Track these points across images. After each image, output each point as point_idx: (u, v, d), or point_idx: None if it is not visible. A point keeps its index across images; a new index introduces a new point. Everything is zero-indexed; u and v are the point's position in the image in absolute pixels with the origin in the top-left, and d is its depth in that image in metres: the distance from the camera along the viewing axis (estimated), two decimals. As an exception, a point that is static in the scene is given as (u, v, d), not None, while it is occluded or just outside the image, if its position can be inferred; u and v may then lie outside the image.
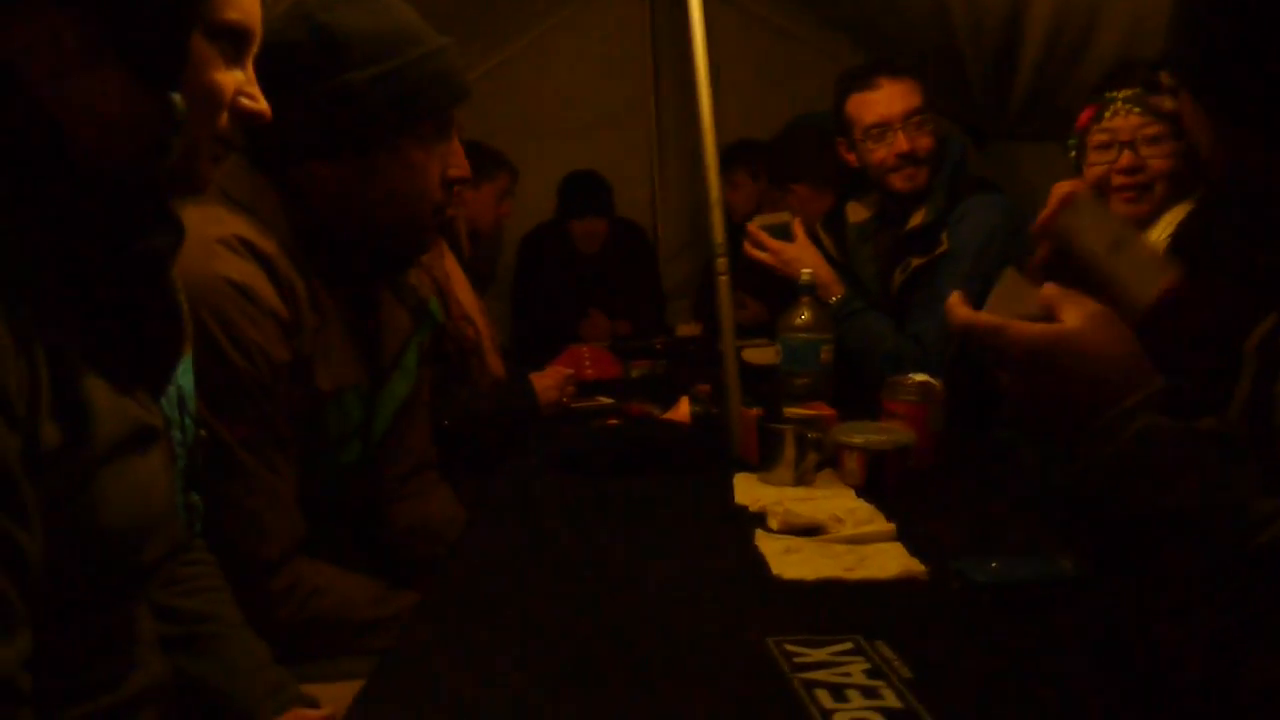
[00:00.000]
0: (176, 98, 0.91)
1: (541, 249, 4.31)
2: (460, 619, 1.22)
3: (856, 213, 2.59)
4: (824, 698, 0.98)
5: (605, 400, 2.50)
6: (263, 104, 1.02)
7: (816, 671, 1.03)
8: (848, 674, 1.03)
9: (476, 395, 2.23)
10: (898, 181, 2.40)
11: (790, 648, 1.09)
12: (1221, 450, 0.90)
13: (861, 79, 2.44)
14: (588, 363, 2.85)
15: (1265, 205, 0.92)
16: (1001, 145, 3.50)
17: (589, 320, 4.03)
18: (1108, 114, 1.93)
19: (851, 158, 2.50)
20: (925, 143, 2.37)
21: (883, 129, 2.39)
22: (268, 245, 1.43)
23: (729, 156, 3.68)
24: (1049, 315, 1.00)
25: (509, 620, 1.21)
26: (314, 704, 1.23)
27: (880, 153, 2.40)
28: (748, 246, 2.32)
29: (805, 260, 2.25)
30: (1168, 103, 1.90)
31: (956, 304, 1.03)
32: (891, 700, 0.97)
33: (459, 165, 1.58)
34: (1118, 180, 1.92)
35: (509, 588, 1.32)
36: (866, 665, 1.04)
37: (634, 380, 2.90)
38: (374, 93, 1.44)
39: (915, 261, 2.35)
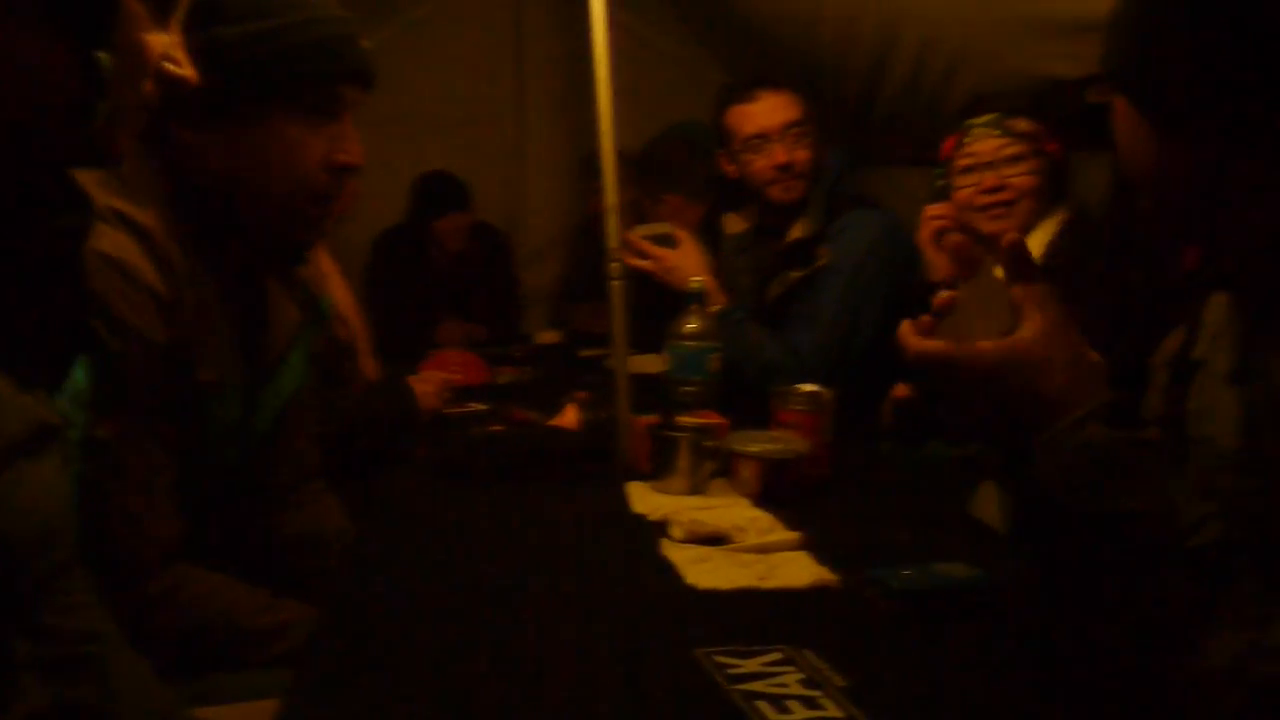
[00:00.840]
0: (104, 56, 0.82)
1: (396, 251, 4.19)
2: (363, 642, 1.15)
3: (733, 224, 2.62)
4: (766, 709, 0.97)
5: (479, 406, 2.44)
6: (188, 69, 0.94)
7: (753, 683, 1.02)
8: (784, 684, 1.02)
9: (351, 398, 2.14)
10: (775, 193, 2.43)
11: (721, 659, 1.07)
12: (1160, 459, 0.94)
13: (741, 91, 2.48)
14: (457, 367, 2.78)
15: (1201, 217, 0.94)
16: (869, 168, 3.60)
17: (444, 325, 3.93)
18: (968, 140, 2.06)
19: (731, 169, 2.52)
20: (803, 155, 2.41)
21: (761, 140, 2.42)
22: (144, 217, 1.31)
23: (594, 163, 3.66)
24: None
25: (410, 646, 1.14)
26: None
27: (758, 164, 2.43)
28: (626, 255, 2.31)
29: (689, 267, 2.25)
30: (1022, 124, 2.02)
31: (908, 333, 1.04)
32: (833, 710, 0.97)
33: (349, 151, 1.44)
34: (982, 200, 2.05)
35: (407, 610, 1.25)
36: (801, 675, 1.04)
37: (503, 386, 2.84)
38: (244, 52, 1.34)
39: (794, 274, 2.38)
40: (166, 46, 0.93)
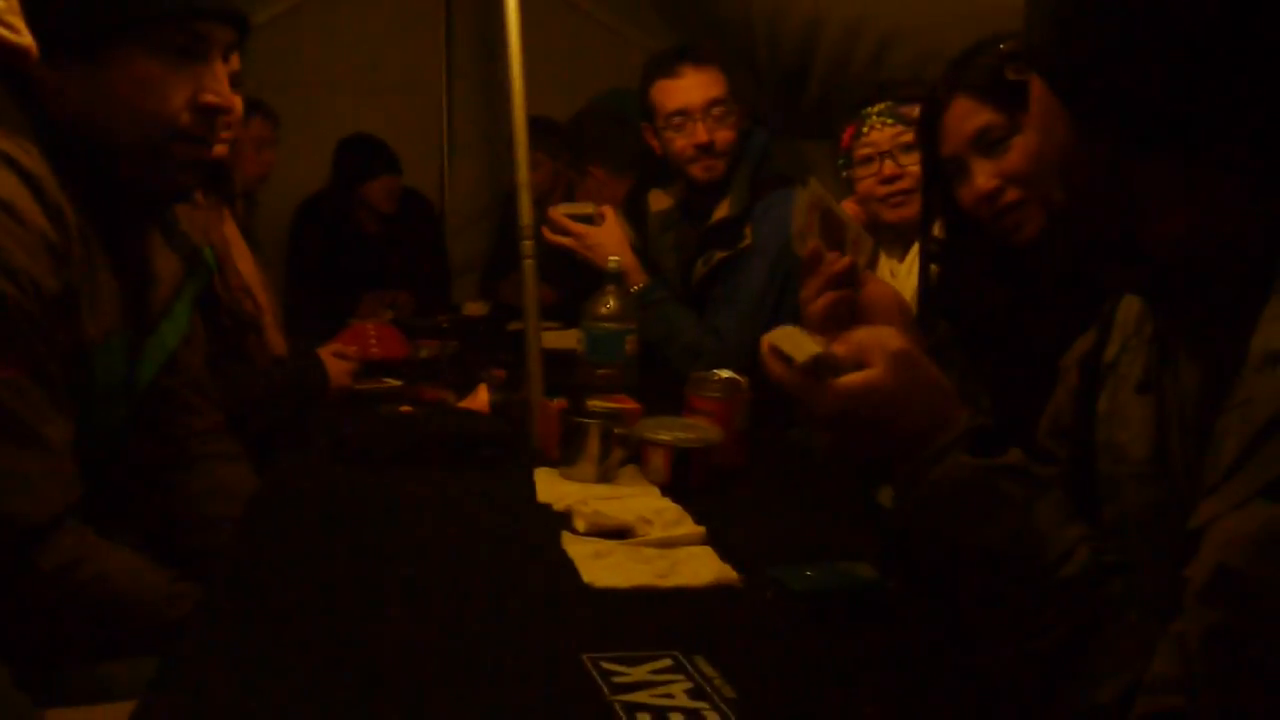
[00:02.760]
0: None
1: (319, 219, 4.07)
2: (237, 634, 1.09)
3: (659, 200, 2.57)
4: (647, 722, 0.93)
5: (393, 382, 2.36)
6: (27, 38, 0.86)
7: (637, 693, 0.97)
8: (670, 695, 0.98)
9: (254, 374, 2.06)
10: (696, 171, 2.40)
11: (608, 665, 1.03)
12: (1024, 484, 0.90)
13: (666, 65, 2.43)
14: (374, 340, 2.69)
15: (1109, 220, 0.89)
16: (794, 143, 3.57)
17: (371, 295, 3.83)
18: (865, 129, 2.06)
19: (655, 144, 2.47)
20: (724, 135, 2.37)
21: (684, 117, 2.38)
22: (32, 163, 1.25)
23: (529, 134, 3.59)
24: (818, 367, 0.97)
25: (289, 636, 1.08)
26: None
27: (679, 141, 2.39)
28: (546, 231, 2.26)
29: (610, 245, 2.20)
30: (918, 110, 1.99)
31: (769, 356, 1.00)
32: (717, 725, 0.93)
33: (217, 92, 1.37)
34: (881, 190, 2.04)
35: (291, 595, 1.20)
36: (689, 685, 0.99)
37: (422, 361, 2.76)
38: None
39: (718, 255, 2.34)
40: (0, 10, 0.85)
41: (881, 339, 0.96)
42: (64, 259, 1.27)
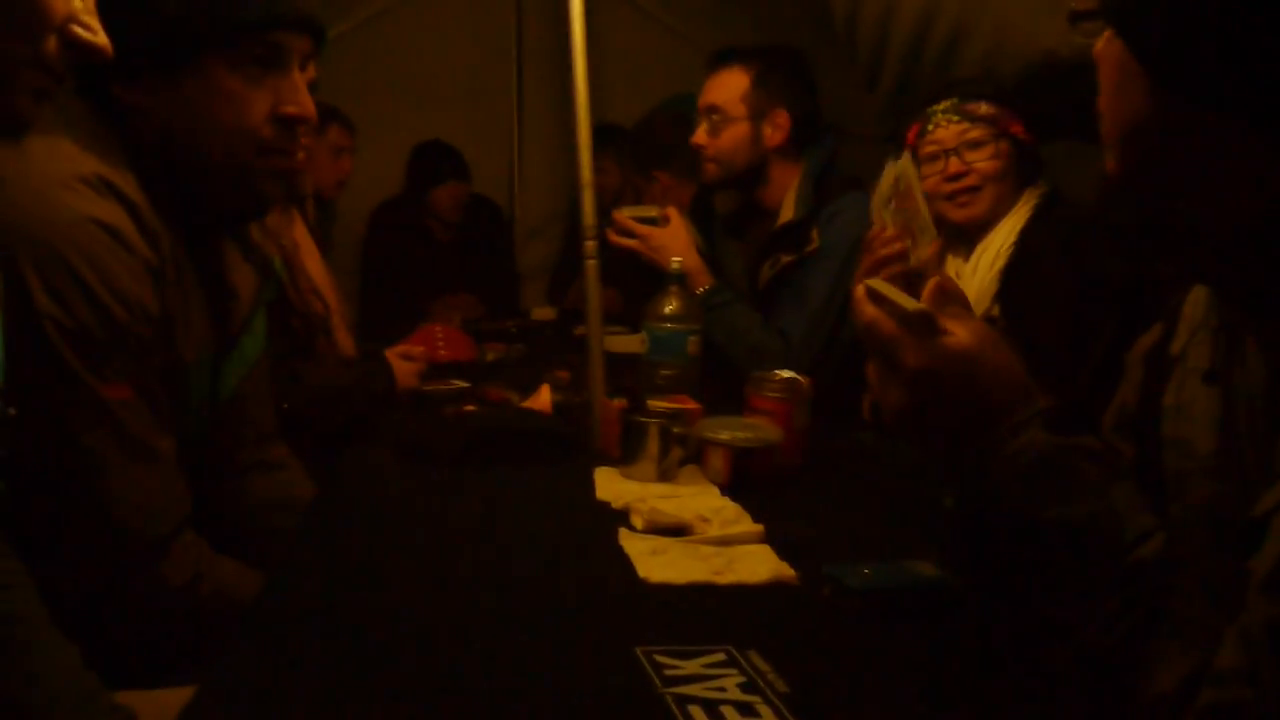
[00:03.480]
0: None
1: (394, 223, 4.13)
2: (300, 623, 1.11)
3: (724, 204, 2.56)
4: (698, 715, 0.92)
5: (460, 383, 2.39)
6: (101, 37, 0.88)
7: (689, 686, 0.97)
8: (722, 688, 0.97)
9: (323, 374, 2.10)
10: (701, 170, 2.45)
11: (661, 659, 1.02)
12: (1102, 466, 0.88)
13: (706, 66, 2.45)
14: (442, 343, 2.72)
15: (1180, 192, 0.84)
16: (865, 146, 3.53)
17: (442, 300, 3.88)
18: (930, 127, 2.04)
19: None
20: (713, 142, 2.40)
21: (697, 117, 2.44)
22: (129, 188, 1.28)
23: (596, 139, 3.60)
24: (927, 324, 0.95)
25: (352, 625, 1.10)
26: (130, 715, 1.11)
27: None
28: (611, 234, 2.26)
29: (675, 247, 2.20)
30: (983, 107, 1.97)
31: (863, 299, 0.98)
32: (768, 717, 0.92)
33: (297, 103, 1.38)
34: (946, 188, 2.02)
35: (353, 588, 1.22)
36: (741, 679, 0.99)
37: (489, 364, 2.79)
38: (170, 4, 1.29)
39: (784, 258, 2.32)
40: (75, 9, 0.87)
41: (965, 315, 0.95)
42: (162, 283, 1.30)
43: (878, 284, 0.99)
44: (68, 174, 1.23)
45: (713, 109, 2.38)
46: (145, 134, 1.34)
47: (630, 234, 2.27)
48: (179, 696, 0.96)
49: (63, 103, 1.29)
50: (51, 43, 0.86)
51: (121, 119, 1.34)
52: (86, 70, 1.32)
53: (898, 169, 1.92)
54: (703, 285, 2.27)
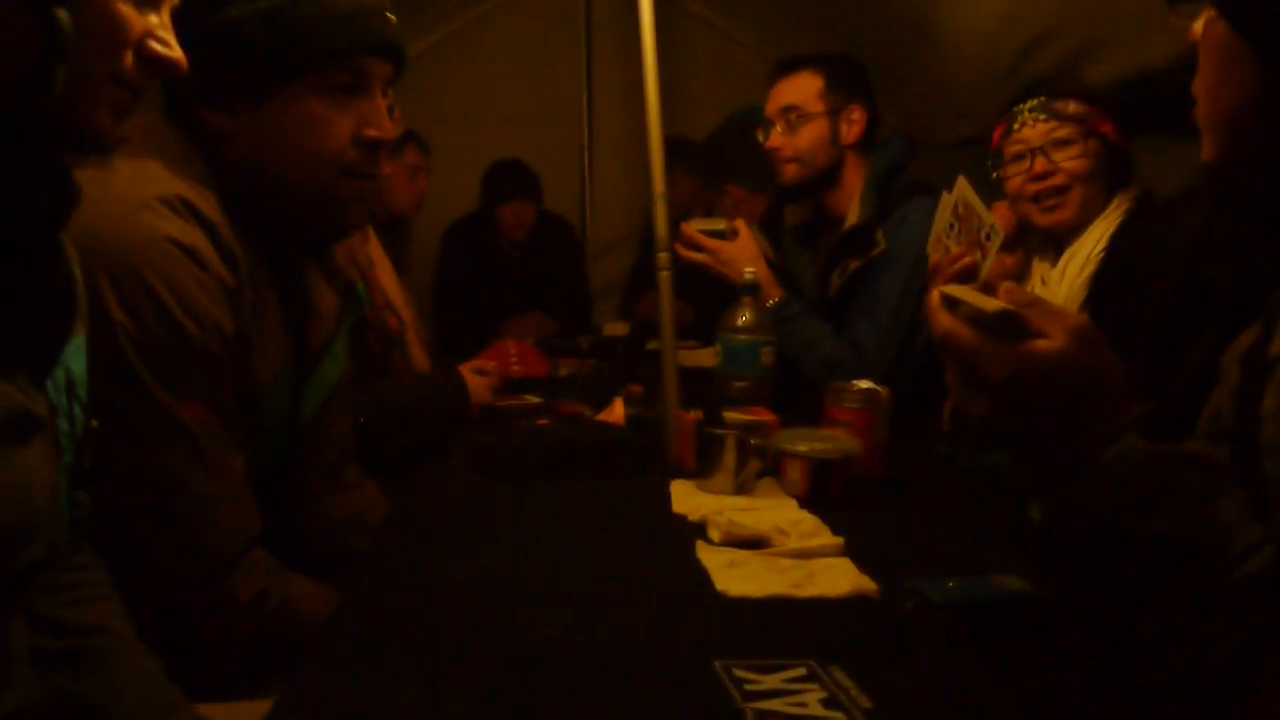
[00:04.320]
0: (63, 15, 0.77)
1: (467, 240, 4.18)
2: (376, 638, 1.11)
3: (794, 215, 2.54)
4: (780, 731, 0.90)
5: (533, 399, 2.40)
6: (177, 52, 0.90)
7: (770, 701, 0.95)
8: (804, 704, 0.95)
9: (398, 390, 2.11)
10: (778, 174, 2.43)
11: (740, 673, 1.00)
12: (1206, 475, 0.83)
13: (772, 73, 2.44)
14: (515, 359, 2.74)
15: None
16: (936, 153, 3.48)
17: (517, 318, 3.90)
18: (1016, 126, 1.99)
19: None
20: (790, 142, 2.38)
21: (769, 122, 2.41)
22: (209, 209, 1.30)
23: (668, 153, 3.60)
24: (1011, 323, 0.91)
25: (427, 638, 1.10)
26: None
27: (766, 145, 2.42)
28: (680, 248, 2.25)
29: (745, 259, 2.18)
30: (1071, 106, 1.92)
31: (938, 308, 0.95)
32: (853, 734, 0.90)
33: (379, 126, 1.41)
34: (1032, 189, 1.97)
35: (427, 602, 1.21)
36: (823, 694, 0.96)
37: (562, 379, 2.80)
38: (258, 30, 1.31)
39: (853, 264, 2.29)
40: (151, 25, 0.89)
41: (1061, 313, 0.91)
42: (238, 303, 1.32)
43: (952, 288, 0.96)
44: (149, 194, 1.25)
45: (790, 109, 2.36)
46: (231, 157, 1.37)
47: (699, 248, 2.26)
48: (257, 710, 0.97)
49: (151, 126, 1.32)
50: (129, 59, 0.87)
51: (208, 142, 1.37)
52: (175, 95, 1.36)
53: (955, 195, 1.89)
54: (773, 298, 2.25)
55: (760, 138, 2.43)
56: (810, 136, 2.36)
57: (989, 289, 1.02)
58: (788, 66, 2.41)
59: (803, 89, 2.37)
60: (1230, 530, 0.80)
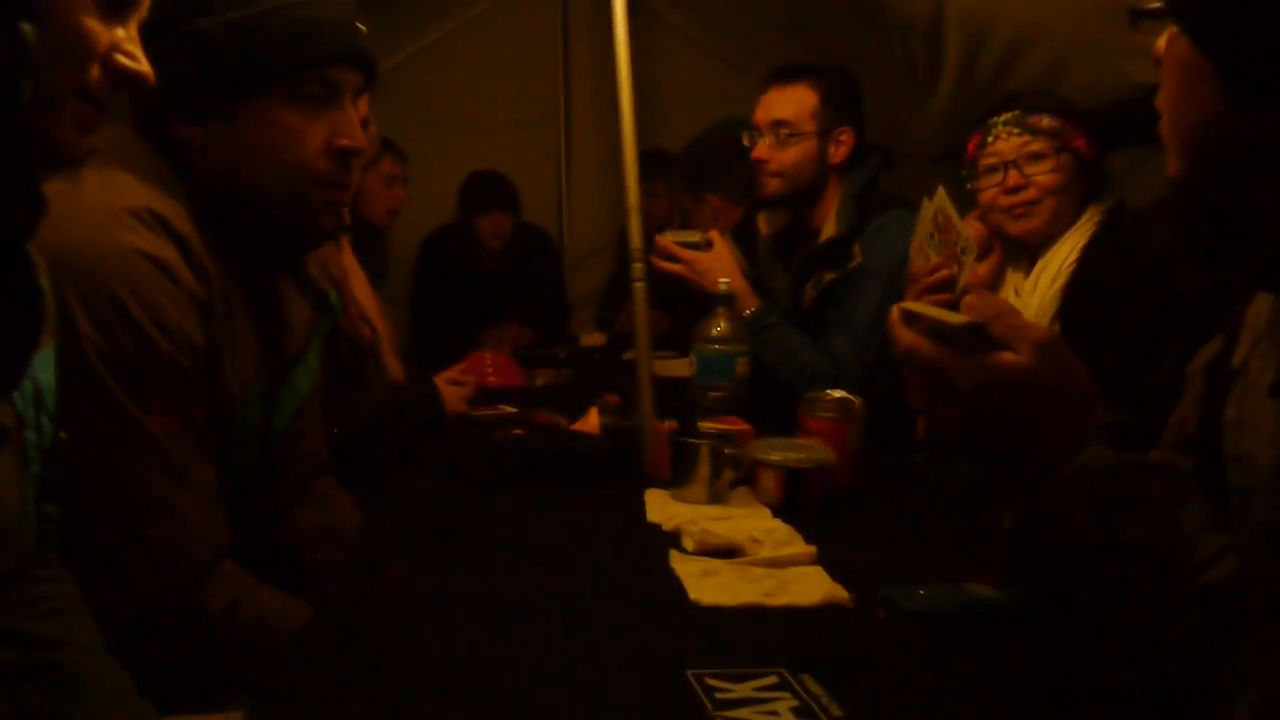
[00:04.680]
0: (27, 28, 0.77)
1: (445, 251, 4.18)
2: (349, 648, 1.11)
3: (769, 223, 2.55)
4: (751, 739, 0.90)
5: (508, 409, 2.39)
6: (144, 65, 0.89)
7: (740, 709, 0.95)
8: (774, 712, 0.95)
9: (372, 400, 2.11)
10: (760, 185, 2.44)
11: (712, 681, 1.01)
12: (1169, 484, 0.84)
13: (764, 81, 2.46)
14: (491, 369, 2.74)
15: (1251, 196, 0.81)
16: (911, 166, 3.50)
17: (495, 328, 3.90)
18: (990, 138, 2.02)
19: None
20: (778, 155, 2.38)
21: (757, 133, 2.42)
22: (181, 223, 1.30)
23: (646, 165, 3.61)
24: (976, 336, 0.92)
25: (399, 650, 1.09)
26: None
27: (751, 155, 2.42)
28: (655, 259, 2.26)
29: (720, 270, 2.19)
30: (1045, 120, 1.94)
31: (899, 324, 0.95)
32: (823, 743, 0.90)
33: (350, 135, 1.40)
34: (1005, 201, 1.99)
35: (400, 614, 1.21)
36: (794, 703, 0.97)
37: (538, 389, 2.80)
38: (228, 42, 1.31)
39: (828, 276, 2.31)
40: (118, 38, 0.88)
41: (1026, 325, 0.91)
42: (209, 315, 1.32)
43: (912, 305, 0.96)
44: (118, 207, 1.25)
45: (780, 124, 2.37)
46: (202, 168, 1.37)
47: (674, 258, 2.26)
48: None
49: (120, 138, 1.32)
50: (95, 73, 0.87)
51: (178, 154, 1.36)
52: (145, 107, 1.35)
53: (935, 205, 1.91)
54: (749, 308, 2.26)
55: (746, 142, 2.43)
56: (798, 155, 2.37)
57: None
58: (785, 76, 2.41)
59: (796, 104, 2.37)
60: (1193, 539, 0.81)
